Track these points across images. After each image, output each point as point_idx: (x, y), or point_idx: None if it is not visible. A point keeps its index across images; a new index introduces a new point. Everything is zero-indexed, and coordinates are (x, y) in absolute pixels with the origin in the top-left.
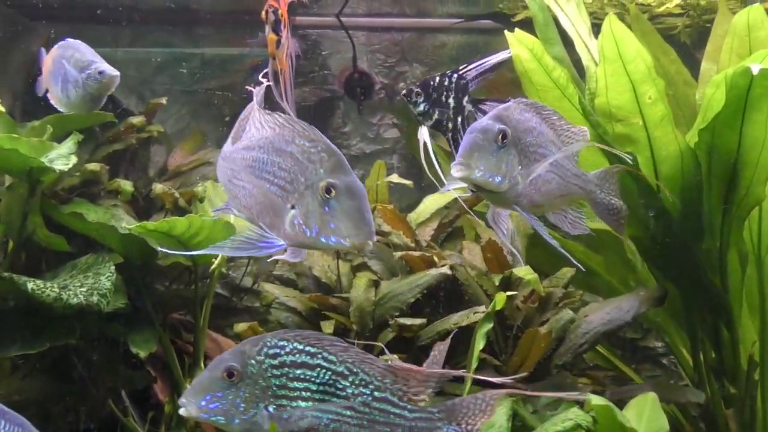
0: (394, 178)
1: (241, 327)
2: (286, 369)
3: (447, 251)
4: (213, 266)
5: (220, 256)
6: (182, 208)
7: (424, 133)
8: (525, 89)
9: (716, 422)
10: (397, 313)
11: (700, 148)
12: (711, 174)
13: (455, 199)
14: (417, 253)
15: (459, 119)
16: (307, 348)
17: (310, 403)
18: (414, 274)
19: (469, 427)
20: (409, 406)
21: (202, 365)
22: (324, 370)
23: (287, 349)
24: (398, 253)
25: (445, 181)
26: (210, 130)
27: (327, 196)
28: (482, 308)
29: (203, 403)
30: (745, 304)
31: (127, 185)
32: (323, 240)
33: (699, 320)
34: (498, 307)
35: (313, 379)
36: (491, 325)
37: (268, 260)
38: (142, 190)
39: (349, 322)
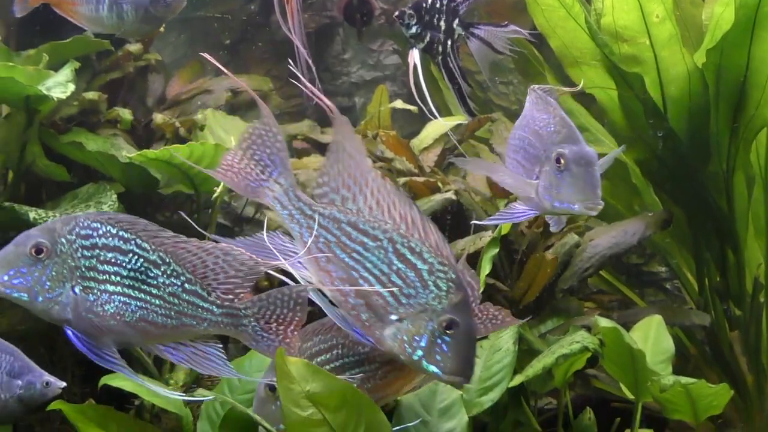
0: (398, 104)
1: None
2: (98, 251)
3: (451, 177)
4: (215, 195)
5: (222, 184)
6: (183, 137)
7: (415, 56)
8: (530, 10)
9: (721, 345)
10: None
11: (708, 69)
12: (719, 95)
13: (459, 125)
14: (421, 179)
15: (449, 43)
16: (121, 233)
17: (119, 288)
18: (418, 200)
19: (280, 327)
20: (217, 302)
21: None
22: (136, 257)
23: (100, 232)
24: (402, 179)
25: (431, 104)
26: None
27: (558, 165)
28: (488, 233)
29: (6, 277)
30: (752, 226)
31: (126, 114)
32: (557, 205)
33: (705, 244)
34: (503, 233)
35: (124, 264)
36: (497, 250)
37: None
38: (141, 120)
39: None
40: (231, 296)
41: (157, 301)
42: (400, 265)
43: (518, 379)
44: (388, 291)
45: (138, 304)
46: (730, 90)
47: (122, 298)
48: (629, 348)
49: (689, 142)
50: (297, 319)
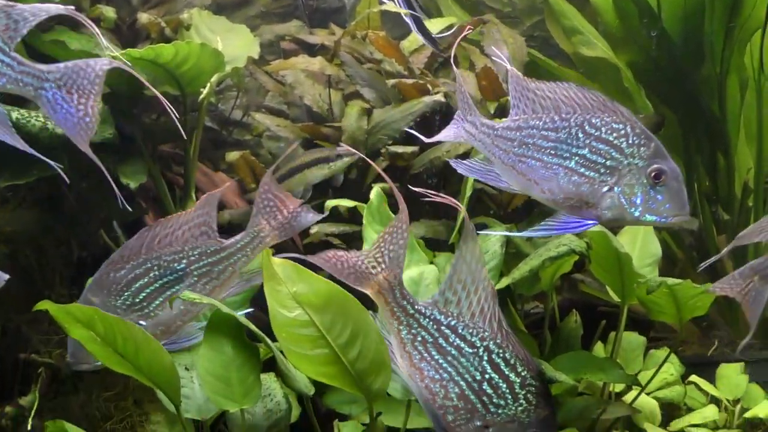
0: (390, 6)
1: (233, 156)
2: None
3: (441, 79)
4: (201, 96)
5: (209, 85)
6: (168, 37)
7: None
8: None
9: (708, 249)
10: (390, 142)
11: None
12: None
13: (449, 26)
14: (410, 81)
15: None
16: None
17: None
18: (407, 101)
19: (81, 99)
20: (19, 58)
21: (193, 197)
22: None
23: None
24: (391, 81)
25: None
26: None
27: (656, 181)
28: None
29: None
30: (743, 131)
31: (109, 11)
32: (647, 218)
33: (696, 147)
34: None
35: None
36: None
37: None
38: (125, 19)
39: None
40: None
41: None
42: (493, 375)
43: (505, 282)
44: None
45: None
46: None
47: None
48: (616, 251)
49: (683, 43)
50: (95, 91)
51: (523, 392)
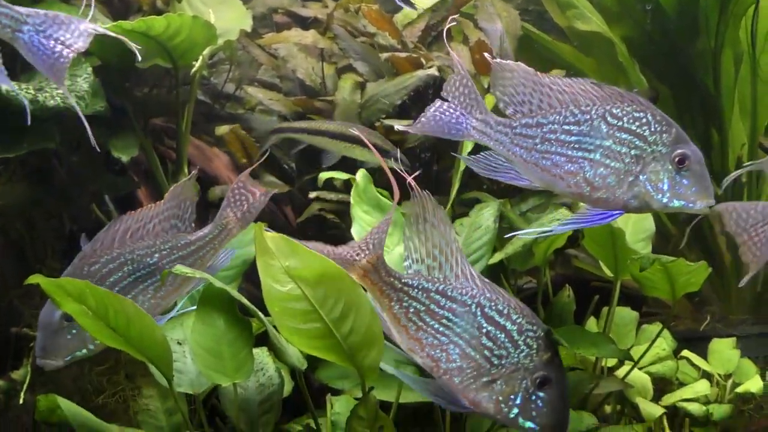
0: None
1: (222, 129)
2: None
3: (434, 53)
4: (194, 70)
5: (201, 58)
6: (160, 9)
7: None
8: None
9: (701, 225)
10: (384, 116)
11: None
12: None
13: (443, 0)
14: (403, 54)
15: None
16: None
17: None
18: (400, 75)
19: (57, 46)
20: None
21: (186, 170)
22: None
23: None
24: (384, 54)
25: None
26: None
27: (680, 166)
28: None
29: None
30: (737, 106)
31: None
32: (674, 203)
33: (690, 122)
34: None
35: None
36: None
37: None
38: None
39: None
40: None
41: None
42: (489, 328)
43: (498, 257)
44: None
45: None
46: None
47: None
48: (609, 227)
49: (677, 17)
50: (74, 48)
51: (522, 338)
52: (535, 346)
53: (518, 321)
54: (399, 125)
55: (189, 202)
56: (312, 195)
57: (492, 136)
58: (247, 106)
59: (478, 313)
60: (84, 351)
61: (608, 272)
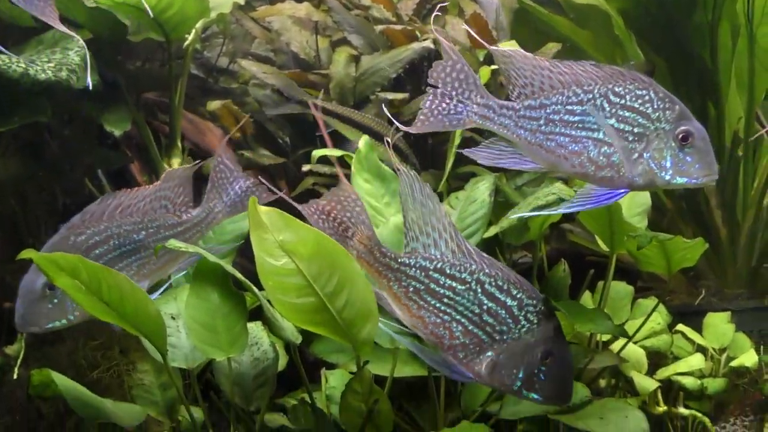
0: None
1: (214, 105)
2: None
3: (429, 25)
4: (186, 43)
5: (194, 31)
6: None
7: None
8: None
9: (697, 199)
10: (379, 89)
11: None
12: None
13: None
14: (398, 27)
15: None
16: None
17: None
18: (395, 48)
19: None
20: None
21: (179, 145)
22: None
23: None
24: (379, 27)
25: None
26: None
27: (683, 143)
28: None
29: None
30: (734, 80)
31: None
32: (677, 180)
33: (686, 96)
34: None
35: None
36: None
37: None
38: None
39: (330, 99)
40: None
41: None
42: (490, 304)
43: (493, 231)
44: (482, 330)
45: None
46: None
47: None
48: None
49: None
50: None
51: (523, 313)
52: (536, 320)
53: (518, 296)
54: (400, 125)
55: (183, 188)
56: (305, 168)
57: (495, 120)
58: (240, 80)
59: (479, 290)
60: (63, 321)
61: (604, 246)
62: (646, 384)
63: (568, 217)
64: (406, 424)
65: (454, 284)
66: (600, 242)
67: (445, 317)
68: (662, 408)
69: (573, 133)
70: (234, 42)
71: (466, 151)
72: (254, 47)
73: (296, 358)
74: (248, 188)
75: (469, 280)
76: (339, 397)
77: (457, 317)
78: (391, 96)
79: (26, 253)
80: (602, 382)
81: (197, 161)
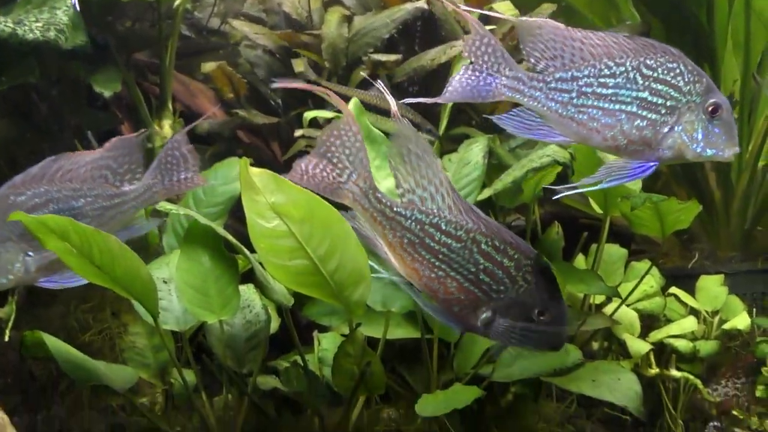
0: None
1: (209, 66)
2: None
3: None
4: (177, 3)
5: None
6: None
7: None
8: None
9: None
10: (371, 50)
11: None
12: None
13: None
14: None
15: None
16: None
17: None
18: (388, 8)
19: None
20: None
21: (170, 106)
22: None
23: None
24: None
25: None
26: None
27: (713, 115)
28: (459, 42)
29: None
30: (730, 41)
31: None
32: (707, 152)
33: None
34: None
35: None
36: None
37: None
38: None
39: (322, 60)
40: None
41: None
42: (486, 264)
43: (487, 193)
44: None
45: None
46: None
47: None
48: (600, 162)
49: None
50: None
51: (521, 274)
52: (534, 281)
53: (516, 257)
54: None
55: (128, 157)
56: (297, 134)
57: (525, 92)
58: (232, 40)
59: (474, 250)
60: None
61: (598, 209)
62: (639, 346)
63: (562, 180)
64: (399, 386)
65: (449, 241)
66: (594, 205)
67: (440, 273)
68: (654, 370)
69: (605, 106)
70: (225, 2)
71: (495, 118)
72: (246, 7)
73: (288, 320)
74: (188, 178)
75: (465, 238)
76: (331, 360)
77: (452, 273)
78: (383, 57)
79: (15, 216)
80: (595, 345)
81: (143, 130)
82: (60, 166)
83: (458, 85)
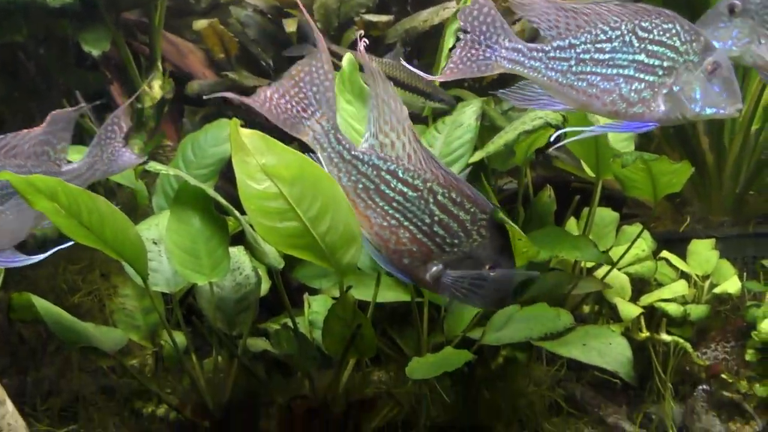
0: None
1: (200, 24)
2: None
3: None
4: None
5: None
6: None
7: None
8: None
9: (684, 125)
10: (363, 10)
11: None
12: None
13: None
14: None
15: None
16: None
17: None
18: None
19: None
20: None
21: (160, 67)
22: None
23: None
24: None
25: None
26: None
27: (712, 74)
28: (452, 3)
29: None
30: None
31: None
32: (707, 111)
33: None
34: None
35: None
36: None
37: None
38: None
39: (313, 20)
40: None
41: None
42: (442, 216)
43: (478, 156)
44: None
45: None
46: None
47: None
48: (591, 124)
49: None
50: None
51: (475, 228)
52: (488, 236)
53: (472, 210)
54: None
55: (67, 133)
56: None
57: (525, 63)
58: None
59: (431, 200)
60: None
61: (590, 172)
62: (630, 310)
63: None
64: (389, 349)
65: (405, 189)
66: (586, 168)
67: (393, 222)
68: (645, 334)
69: (603, 71)
70: None
71: (500, 93)
72: None
73: (279, 283)
74: (121, 150)
75: (422, 188)
76: (322, 322)
77: (406, 224)
78: (375, 18)
79: (3, 175)
80: (586, 309)
81: (81, 105)
82: (6, 143)
83: (459, 61)
